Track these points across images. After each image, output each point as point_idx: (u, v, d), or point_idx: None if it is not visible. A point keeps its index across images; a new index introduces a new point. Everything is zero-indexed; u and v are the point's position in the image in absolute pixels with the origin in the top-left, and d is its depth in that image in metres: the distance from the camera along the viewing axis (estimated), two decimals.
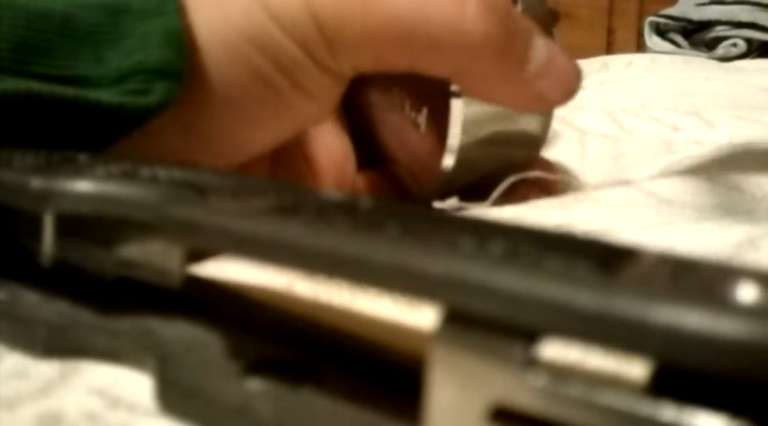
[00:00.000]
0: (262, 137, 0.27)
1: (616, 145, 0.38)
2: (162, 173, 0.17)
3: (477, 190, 0.30)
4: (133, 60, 0.23)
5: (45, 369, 0.17)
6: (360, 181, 0.33)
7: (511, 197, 0.30)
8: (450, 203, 0.29)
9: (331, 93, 0.27)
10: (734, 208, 0.27)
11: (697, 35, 0.85)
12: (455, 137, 0.30)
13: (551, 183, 0.31)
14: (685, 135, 0.39)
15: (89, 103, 0.22)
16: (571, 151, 0.37)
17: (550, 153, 0.37)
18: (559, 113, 0.44)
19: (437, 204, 0.29)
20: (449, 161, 0.30)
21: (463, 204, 0.29)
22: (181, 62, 0.24)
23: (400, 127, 0.33)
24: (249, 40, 0.25)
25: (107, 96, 0.23)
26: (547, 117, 0.33)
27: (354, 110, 0.34)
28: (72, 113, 0.23)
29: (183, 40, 0.24)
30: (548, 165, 0.33)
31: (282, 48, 0.25)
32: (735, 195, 0.28)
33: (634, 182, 0.30)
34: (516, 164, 0.32)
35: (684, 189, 0.29)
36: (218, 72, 0.25)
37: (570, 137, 0.39)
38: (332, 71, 0.26)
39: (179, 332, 0.16)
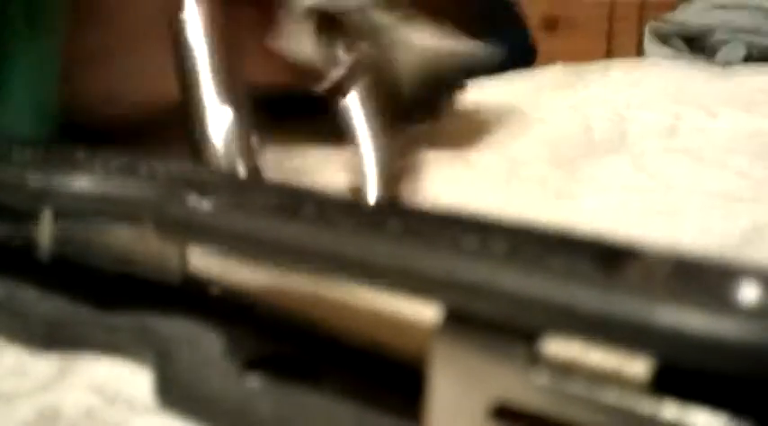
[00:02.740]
0: None
1: (621, 124, 0.38)
2: (160, 169, 0.17)
3: None
4: None
5: (44, 366, 0.17)
6: None
7: None
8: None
9: None
10: (740, 195, 0.27)
11: (697, 40, 0.85)
12: None
13: None
14: (688, 123, 0.39)
15: None
16: (576, 129, 0.37)
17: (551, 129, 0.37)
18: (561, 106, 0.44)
19: None
20: None
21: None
22: None
23: None
24: None
25: None
26: None
27: None
28: None
29: None
30: None
31: None
32: (741, 181, 0.28)
33: (641, 165, 0.31)
34: None
35: (691, 174, 0.29)
36: None
37: (573, 118, 0.39)
38: None
39: (178, 328, 0.16)
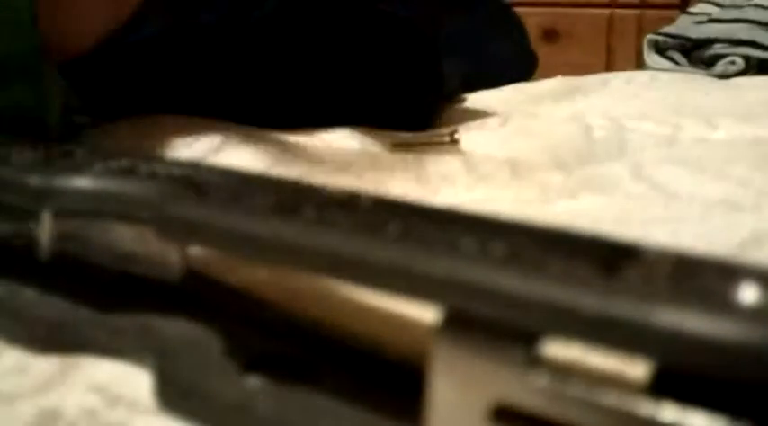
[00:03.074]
0: None
1: (620, 134, 0.38)
2: (161, 169, 0.17)
3: None
4: None
5: (44, 366, 0.17)
6: None
7: None
8: None
9: None
10: (740, 204, 0.27)
11: (696, 53, 0.86)
12: None
13: None
14: (688, 133, 0.39)
15: None
16: (577, 137, 0.38)
17: (554, 137, 0.37)
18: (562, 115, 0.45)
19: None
20: None
21: None
22: None
23: None
24: None
25: None
26: None
27: None
28: None
29: None
30: None
31: None
32: (741, 190, 0.28)
33: (641, 173, 0.31)
34: None
35: (691, 183, 0.29)
36: None
37: (573, 127, 0.39)
38: None
39: (178, 328, 0.16)
